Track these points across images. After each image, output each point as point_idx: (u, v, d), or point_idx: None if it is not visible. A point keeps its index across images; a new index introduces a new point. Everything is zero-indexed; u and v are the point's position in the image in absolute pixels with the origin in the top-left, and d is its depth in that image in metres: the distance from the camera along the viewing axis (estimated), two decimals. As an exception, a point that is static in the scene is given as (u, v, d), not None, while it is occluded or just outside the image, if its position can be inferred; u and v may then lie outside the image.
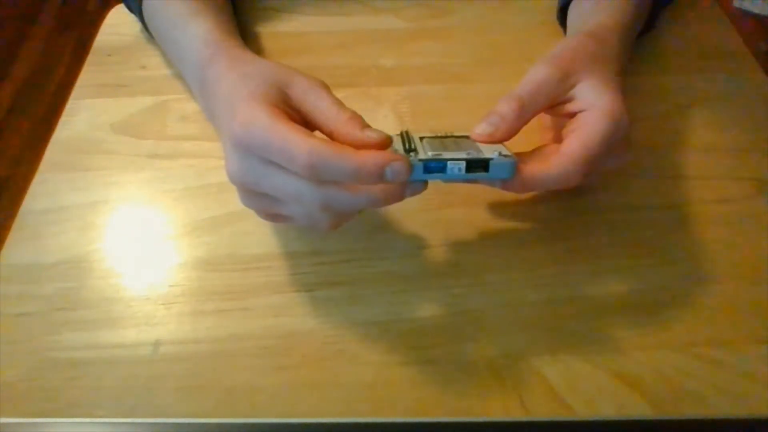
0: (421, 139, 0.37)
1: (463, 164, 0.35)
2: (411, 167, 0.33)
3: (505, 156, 0.35)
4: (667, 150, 0.47)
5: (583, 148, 0.37)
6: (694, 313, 0.38)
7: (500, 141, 0.37)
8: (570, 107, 0.39)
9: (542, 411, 0.35)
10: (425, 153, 0.35)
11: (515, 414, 0.34)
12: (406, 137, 0.36)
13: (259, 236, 0.43)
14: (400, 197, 0.35)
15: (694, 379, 0.36)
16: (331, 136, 0.36)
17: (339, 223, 0.38)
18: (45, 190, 0.46)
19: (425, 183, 0.35)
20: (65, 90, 0.62)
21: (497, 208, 0.44)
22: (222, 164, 0.47)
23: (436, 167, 0.34)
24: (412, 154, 0.34)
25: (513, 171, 0.36)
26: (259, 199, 0.38)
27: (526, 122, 0.38)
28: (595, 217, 0.43)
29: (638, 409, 0.35)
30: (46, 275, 0.41)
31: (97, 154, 0.48)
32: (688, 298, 0.39)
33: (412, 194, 0.35)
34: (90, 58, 0.56)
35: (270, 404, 0.35)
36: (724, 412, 0.34)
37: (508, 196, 0.44)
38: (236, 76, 0.39)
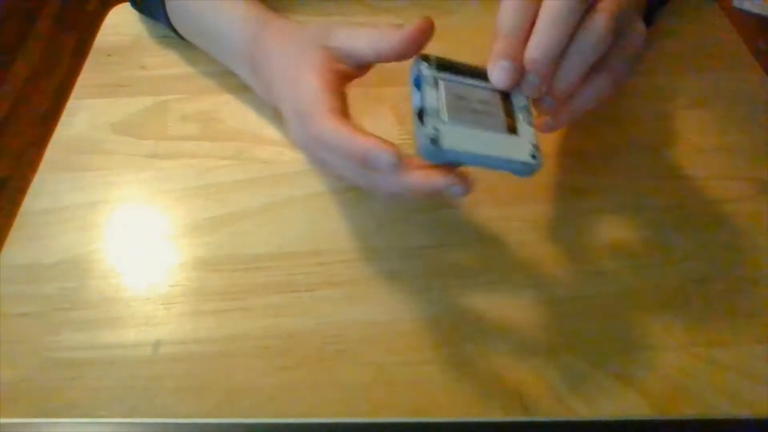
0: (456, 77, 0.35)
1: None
2: (470, 185, 0.33)
3: (535, 158, 0.34)
4: (667, 150, 0.47)
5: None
6: (694, 313, 0.38)
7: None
8: None
9: (542, 411, 0.35)
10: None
11: (515, 414, 0.34)
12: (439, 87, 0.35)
13: (259, 236, 0.43)
14: (438, 193, 0.35)
15: (694, 379, 0.36)
16: (379, 59, 0.37)
17: (395, 197, 0.40)
18: (45, 190, 0.46)
19: (464, 185, 0.34)
20: (65, 90, 0.62)
21: (497, 208, 0.44)
22: (222, 164, 0.47)
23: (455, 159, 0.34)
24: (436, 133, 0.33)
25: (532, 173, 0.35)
26: (323, 162, 0.39)
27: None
28: (595, 217, 0.43)
29: (638, 409, 0.35)
30: (46, 275, 0.41)
31: (97, 154, 0.48)
32: (688, 298, 0.39)
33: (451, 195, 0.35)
34: (90, 58, 0.56)
35: (270, 404, 0.35)
36: (724, 412, 0.34)
37: (508, 195, 0.44)
38: (283, 49, 0.41)
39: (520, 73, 0.35)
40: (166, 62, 0.55)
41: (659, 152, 0.47)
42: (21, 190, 0.46)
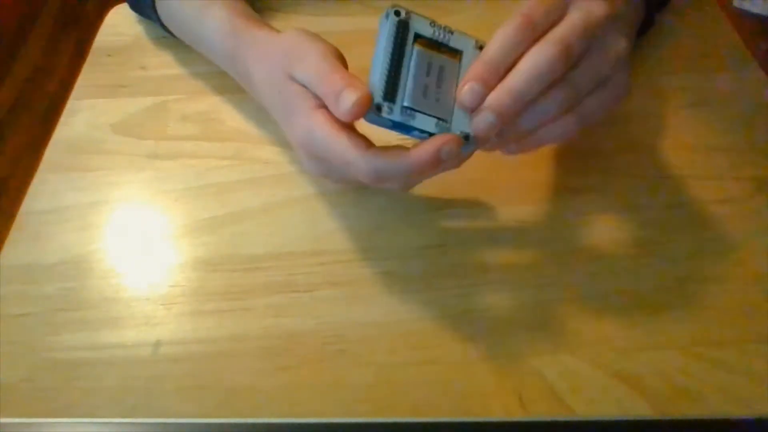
0: (417, 38, 0.35)
1: (427, 135, 0.35)
2: (461, 143, 0.34)
3: (468, 139, 0.35)
4: (667, 150, 0.47)
5: (554, 33, 0.34)
6: (694, 313, 0.38)
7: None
8: None
9: (542, 411, 0.35)
10: (400, 105, 0.34)
11: (515, 414, 0.34)
12: (398, 49, 0.35)
13: (259, 236, 0.43)
14: (431, 164, 0.35)
15: (694, 379, 0.36)
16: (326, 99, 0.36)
17: (409, 187, 0.40)
18: (45, 190, 0.46)
19: (453, 143, 0.34)
20: (65, 90, 0.62)
21: (497, 208, 0.44)
22: (222, 164, 0.47)
23: (401, 127, 0.35)
24: (387, 106, 0.34)
25: (471, 151, 0.36)
26: (328, 173, 0.40)
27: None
28: (594, 217, 0.43)
29: (638, 409, 0.35)
30: (46, 275, 0.41)
31: (97, 154, 0.48)
32: (688, 298, 0.39)
33: (445, 156, 0.35)
34: (90, 58, 0.56)
35: (270, 404, 0.35)
36: (724, 412, 0.34)
37: (508, 195, 0.44)
38: (265, 75, 0.42)
39: (484, 100, 0.35)
40: (166, 62, 0.55)
41: (659, 152, 0.47)
42: (21, 190, 0.46)
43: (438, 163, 0.34)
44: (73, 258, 0.42)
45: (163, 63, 0.55)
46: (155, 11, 0.53)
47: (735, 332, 0.37)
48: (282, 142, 0.48)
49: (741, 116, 0.50)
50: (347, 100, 0.33)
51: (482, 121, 0.34)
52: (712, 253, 0.41)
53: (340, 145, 0.35)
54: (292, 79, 0.38)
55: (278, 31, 0.44)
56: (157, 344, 0.38)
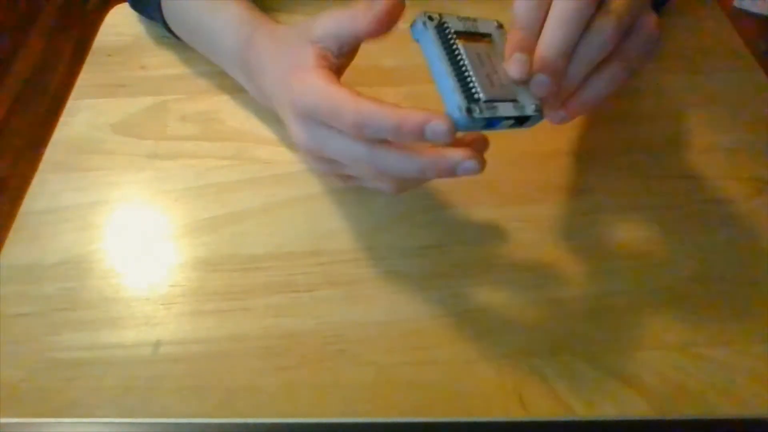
0: (457, 35, 0.35)
1: (512, 121, 0.34)
2: (453, 130, 0.32)
3: (539, 110, 0.35)
4: (667, 150, 0.47)
5: None
6: (694, 313, 0.38)
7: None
8: None
9: (542, 411, 0.35)
10: (482, 101, 0.33)
11: (515, 414, 0.34)
12: (449, 50, 0.34)
13: (259, 236, 0.43)
14: (450, 173, 0.34)
15: (694, 379, 0.36)
16: (370, 35, 0.37)
17: (402, 188, 0.39)
18: (45, 190, 0.46)
19: (476, 160, 0.33)
20: (65, 90, 0.62)
21: (497, 208, 0.44)
22: (222, 164, 0.47)
23: (489, 124, 0.34)
24: (476, 107, 0.33)
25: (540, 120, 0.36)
26: (327, 163, 0.39)
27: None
28: (595, 217, 0.43)
29: (638, 409, 0.35)
30: (46, 275, 0.41)
31: (97, 154, 0.48)
32: (688, 298, 0.39)
33: (464, 173, 0.34)
34: (90, 58, 0.56)
35: (270, 404, 0.35)
36: (724, 412, 0.34)
37: (508, 195, 0.44)
38: (274, 52, 0.42)
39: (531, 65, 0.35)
40: (166, 62, 0.55)
41: (659, 152, 0.47)
42: (21, 190, 0.46)
43: (421, 135, 0.32)
44: (73, 258, 0.42)
45: (163, 63, 0.55)
46: (160, 10, 0.52)
47: (735, 332, 0.37)
48: (282, 142, 0.48)
49: (741, 116, 0.50)
50: (438, 127, 0.32)
51: (538, 85, 0.35)
52: (712, 253, 0.41)
53: (331, 93, 0.35)
54: (311, 42, 0.38)
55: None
56: (157, 344, 0.38)
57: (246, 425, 0.35)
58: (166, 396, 0.36)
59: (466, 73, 0.34)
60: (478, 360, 0.37)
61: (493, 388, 0.35)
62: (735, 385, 0.35)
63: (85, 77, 0.54)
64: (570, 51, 0.35)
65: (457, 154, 0.33)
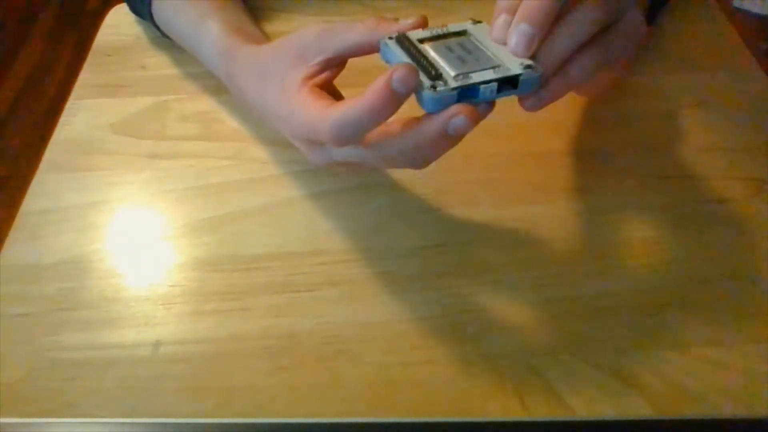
0: (421, 41, 0.35)
1: (495, 85, 0.33)
2: (414, 73, 0.32)
3: (531, 68, 0.33)
4: (667, 150, 0.47)
5: None
6: (694, 313, 0.38)
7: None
8: None
9: (542, 411, 0.35)
10: (450, 76, 0.33)
11: (515, 414, 0.34)
12: (414, 52, 0.34)
13: (259, 236, 0.43)
14: (441, 136, 0.33)
15: (694, 379, 0.35)
16: (372, 50, 0.36)
17: (423, 162, 0.36)
18: (45, 190, 0.46)
19: (465, 114, 0.33)
20: (65, 90, 0.62)
21: (497, 208, 0.44)
22: (222, 164, 0.47)
23: (466, 94, 0.33)
24: (440, 82, 0.32)
25: (539, 83, 0.34)
26: (346, 167, 0.40)
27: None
28: (595, 217, 0.43)
29: (638, 409, 0.34)
30: (46, 275, 0.41)
31: (97, 154, 0.48)
32: (688, 298, 0.39)
33: (457, 128, 0.32)
34: (90, 58, 0.56)
35: (270, 404, 0.35)
36: (724, 412, 0.34)
37: (508, 195, 0.44)
38: (256, 82, 0.42)
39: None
40: (166, 62, 0.55)
41: (659, 152, 0.47)
42: (21, 190, 0.46)
43: (392, 93, 0.31)
44: (73, 258, 0.42)
45: (163, 63, 0.55)
46: (153, 18, 0.53)
47: (735, 332, 0.37)
48: (282, 142, 0.48)
49: (741, 116, 0.50)
50: (401, 74, 0.31)
51: (520, 34, 0.33)
52: (712, 253, 0.41)
53: (312, 114, 0.35)
54: (307, 61, 0.38)
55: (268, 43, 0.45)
56: (157, 344, 0.38)
57: (246, 425, 0.35)
58: (166, 396, 0.36)
59: (431, 60, 0.34)
60: (478, 360, 0.37)
61: (493, 388, 0.35)
62: (735, 385, 0.35)
63: (85, 77, 0.54)
64: (553, 14, 0.34)
65: (445, 114, 0.32)
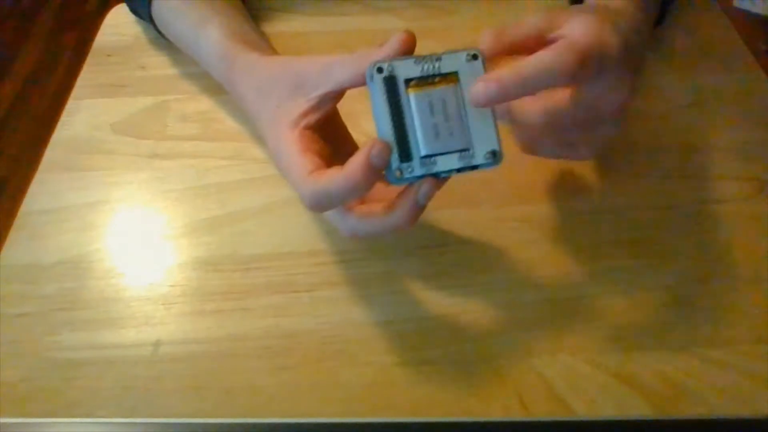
0: (408, 82, 0.34)
1: (454, 171, 0.34)
2: (388, 150, 0.33)
3: (495, 154, 0.34)
4: (667, 150, 0.47)
5: (572, 42, 0.34)
6: (694, 313, 0.38)
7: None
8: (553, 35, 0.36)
9: (542, 411, 0.35)
10: (418, 157, 0.34)
11: (515, 414, 0.34)
12: (396, 103, 0.34)
13: (259, 236, 0.43)
14: (416, 208, 0.34)
15: (694, 379, 0.36)
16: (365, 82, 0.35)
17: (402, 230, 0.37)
18: (45, 190, 0.46)
19: (429, 184, 0.34)
20: (65, 90, 0.62)
21: (497, 208, 0.44)
22: (222, 164, 0.47)
23: (429, 173, 0.34)
24: (407, 166, 0.34)
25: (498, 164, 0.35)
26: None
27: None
28: (595, 217, 0.43)
29: (638, 409, 0.35)
30: (46, 275, 0.41)
31: (97, 154, 0.48)
32: (688, 298, 0.39)
33: (426, 197, 0.34)
34: (90, 58, 0.56)
35: (270, 404, 0.35)
36: (724, 412, 0.34)
37: (508, 195, 0.44)
38: (255, 95, 0.41)
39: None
40: (166, 62, 0.55)
41: (659, 152, 0.47)
42: (21, 190, 0.46)
43: (371, 169, 0.32)
44: (72, 258, 0.42)
45: (163, 63, 0.55)
46: (152, 18, 0.53)
47: (735, 332, 0.37)
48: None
49: (741, 116, 0.50)
50: (378, 151, 0.33)
51: (483, 87, 0.33)
52: (712, 253, 0.41)
53: (294, 169, 0.35)
54: (304, 94, 0.38)
55: (270, 53, 0.45)
56: (157, 344, 0.38)
57: (246, 425, 0.35)
58: (166, 396, 0.36)
59: (409, 129, 0.34)
60: (478, 360, 0.37)
61: (493, 388, 0.35)
62: (735, 385, 0.35)
63: (85, 77, 0.54)
64: (531, 89, 0.34)
65: (412, 190, 0.34)
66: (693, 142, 0.48)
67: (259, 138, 0.49)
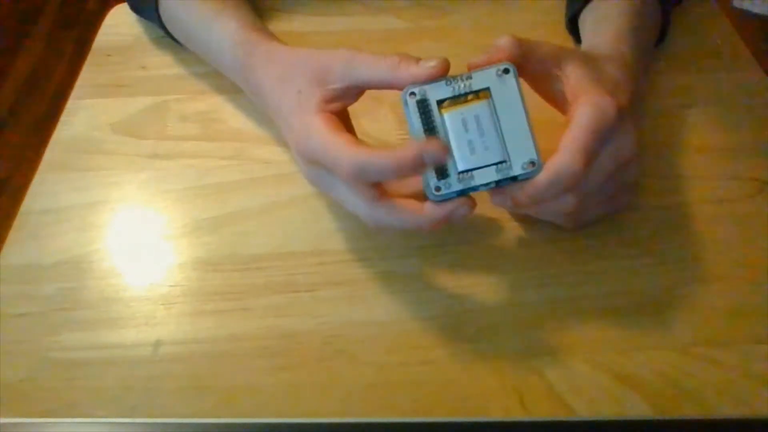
0: (441, 103, 0.35)
1: (493, 184, 0.36)
2: (444, 153, 0.34)
3: (533, 163, 0.35)
4: (667, 150, 0.47)
5: (572, 139, 0.36)
6: (694, 313, 0.38)
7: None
8: (558, 86, 0.38)
9: (542, 411, 0.35)
10: (455, 172, 0.35)
11: (515, 414, 0.34)
12: (431, 125, 0.35)
13: (259, 236, 0.43)
14: (445, 221, 0.36)
15: (694, 379, 0.36)
16: (392, 87, 0.36)
17: (420, 232, 0.41)
18: (45, 190, 0.46)
19: (468, 206, 0.36)
20: (65, 90, 0.62)
21: (497, 208, 0.44)
22: (222, 164, 0.47)
23: (467, 190, 0.36)
24: (444, 183, 0.35)
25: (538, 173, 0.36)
26: (318, 179, 0.40)
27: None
28: (595, 217, 0.43)
29: (638, 409, 0.35)
30: (46, 275, 0.41)
31: (97, 154, 0.48)
32: (688, 298, 0.39)
33: (459, 218, 0.36)
34: (90, 58, 0.56)
35: (270, 404, 0.35)
36: (724, 412, 0.34)
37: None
38: (275, 81, 0.42)
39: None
40: (166, 62, 0.55)
41: (659, 152, 0.47)
42: (21, 190, 0.46)
43: (420, 161, 0.34)
44: (72, 258, 0.42)
45: (163, 63, 0.55)
46: (158, 13, 0.53)
47: (735, 332, 0.37)
48: (282, 142, 0.48)
49: (741, 116, 0.50)
50: (433, 152, 0.34)
51: (499, 200, 0.37)
52: (711, 253, 0.41)
53: (331, 143, 0.36)
54: (327, 84, 0.38)
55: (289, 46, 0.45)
56: (157, 344, 0.38)
57: (246, 425, 0.35)
58: (166, 396, 0.36)
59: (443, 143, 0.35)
60: (478, 360, 0.37)
61: (493, 388, 0.35)
62: (735, 385, 0.35)
63: (85, 77, 0.54)
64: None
65: (449, 207, 0.35)
66: (693, 142, 0.48)
67: (260, 138, 0.49)
